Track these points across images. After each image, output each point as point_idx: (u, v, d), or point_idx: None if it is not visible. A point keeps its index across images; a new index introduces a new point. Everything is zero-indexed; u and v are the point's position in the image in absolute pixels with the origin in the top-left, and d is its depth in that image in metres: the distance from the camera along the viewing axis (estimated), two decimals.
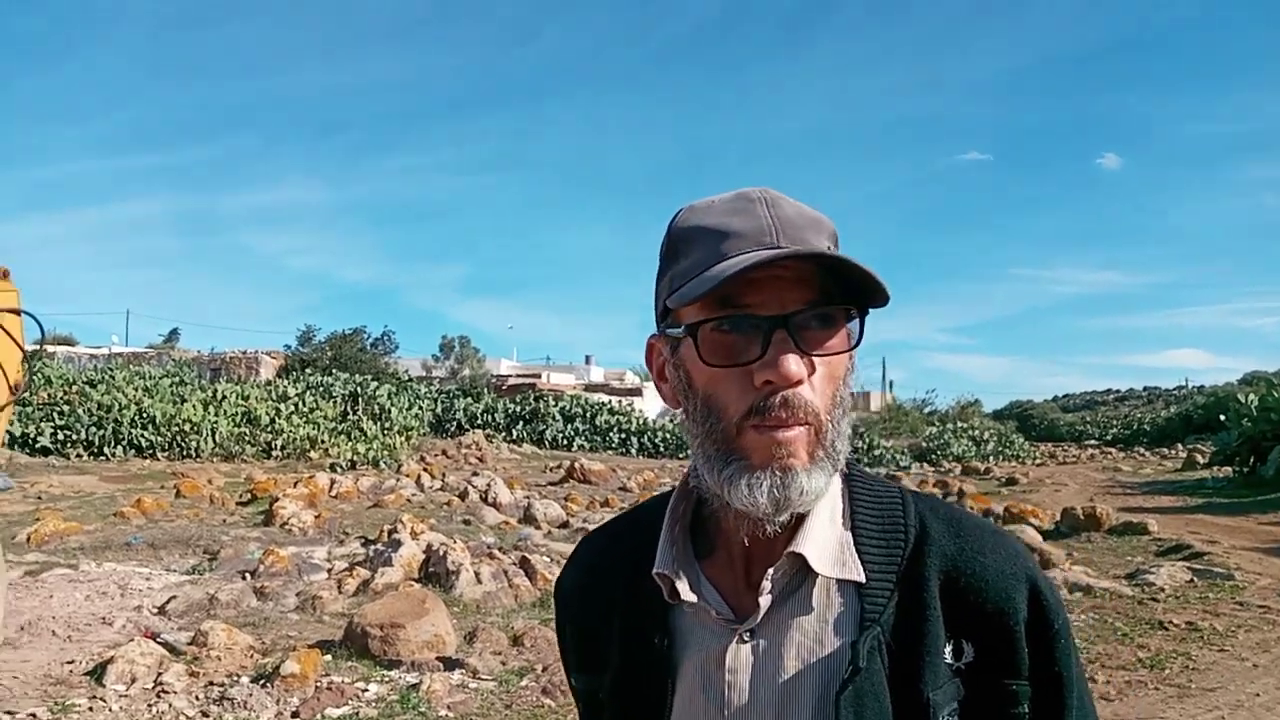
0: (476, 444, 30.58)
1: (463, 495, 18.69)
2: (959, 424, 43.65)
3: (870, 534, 0.98)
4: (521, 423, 35.09)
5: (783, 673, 0.94)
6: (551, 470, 26.12)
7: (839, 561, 0.96)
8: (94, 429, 27.29)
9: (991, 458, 36.34)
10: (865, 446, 36.35)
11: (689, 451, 1.01)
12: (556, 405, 36.22)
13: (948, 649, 0.93)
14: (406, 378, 40.13)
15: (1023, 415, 77.64)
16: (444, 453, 29.61)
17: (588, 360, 54.85)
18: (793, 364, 0.88)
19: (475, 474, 22.66)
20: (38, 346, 8.58)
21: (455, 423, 34.70)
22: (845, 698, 0.90)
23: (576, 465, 23.89)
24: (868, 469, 1.08)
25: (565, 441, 34.21)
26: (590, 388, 45.01)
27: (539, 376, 44.34)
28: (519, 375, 48.39)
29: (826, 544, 0.96)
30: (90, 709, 6.44)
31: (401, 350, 46.54)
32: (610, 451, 33.91)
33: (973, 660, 0.94)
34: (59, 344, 46.41)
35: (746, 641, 0.96)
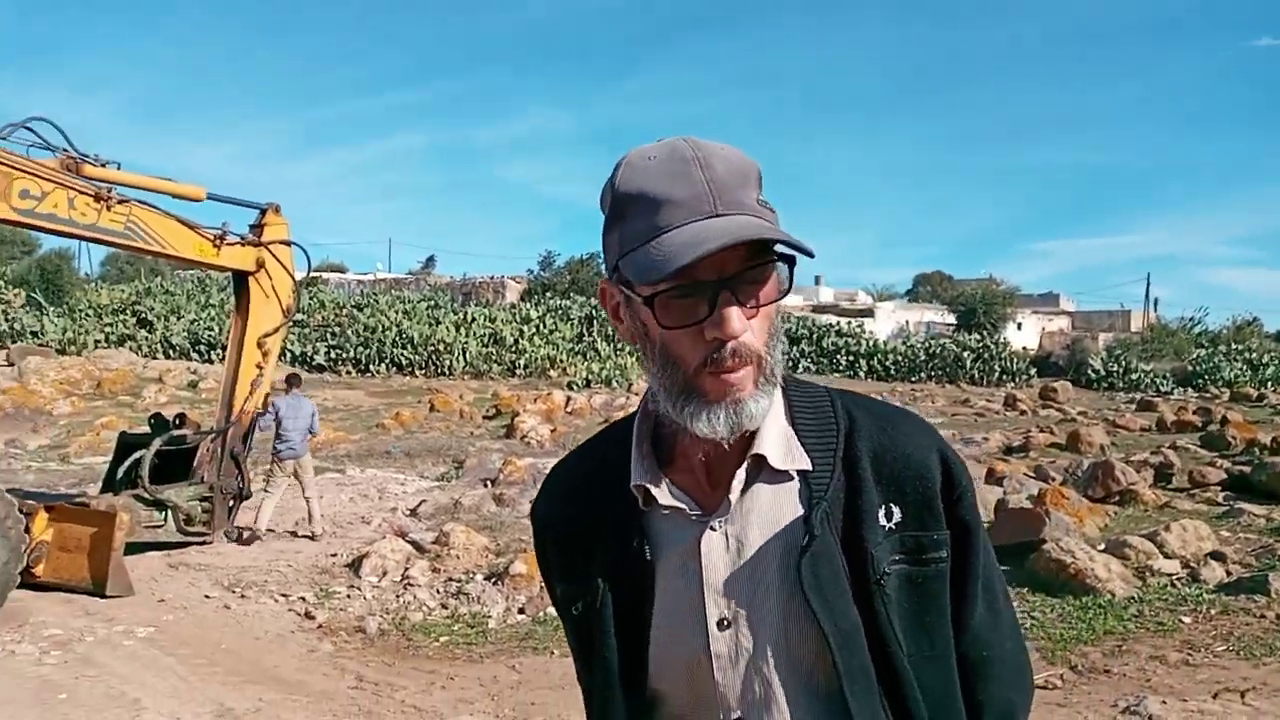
0: None
1: None
2: (1233, 346, 39.02)
3: (809, 429, 1.15)
4: None
5: (749, 549, 1.11)
6: None
7: (788, 454, 1.13)
8: (361, 348, 30.15)
9: (1270, 383, 32.48)
10: (1121, 370, 33.55)
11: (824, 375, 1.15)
12: (782, 327, 35.93)
13: (880, 513, 1.11)
14: None
15: None
16: None
17: (817, 280, 53.72)
18: (735, 321, 1.02)
19: None
20: (306, 274, 9.58)
21: None
22: (805, 561, 1.07)
23: None
24: (799, 375, 1.23)
25: (790, 364, 33.72)
26: (819, 309, 44.23)
27: None
28: None
29: (777, 441, 1.13)
30: (348, 596, 7.29)
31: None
32: (837, 375, 33.37)
33: (901, 520, 1.12)
34: (331, 271, 51.22)
35: (718, 530, 1.12)
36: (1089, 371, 34.21)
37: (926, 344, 36.06)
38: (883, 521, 1.10)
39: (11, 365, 23.35)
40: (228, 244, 8.50)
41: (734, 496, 1.11)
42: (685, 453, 1.14)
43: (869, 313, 44.12)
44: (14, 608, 6.35)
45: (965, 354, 34.37)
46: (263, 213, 8.94)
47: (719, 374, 1.05)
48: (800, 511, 1.10)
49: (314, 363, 29.61)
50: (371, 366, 29.79)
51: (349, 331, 30.97)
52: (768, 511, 1.11)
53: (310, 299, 34.62)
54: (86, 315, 32.47)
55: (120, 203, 7.39)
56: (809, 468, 1.11)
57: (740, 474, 1.10)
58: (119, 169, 7.53)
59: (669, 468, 1.16)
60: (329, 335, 31.08)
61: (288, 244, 9.21)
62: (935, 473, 1.13)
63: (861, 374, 33.89)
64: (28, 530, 6.68)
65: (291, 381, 10.86)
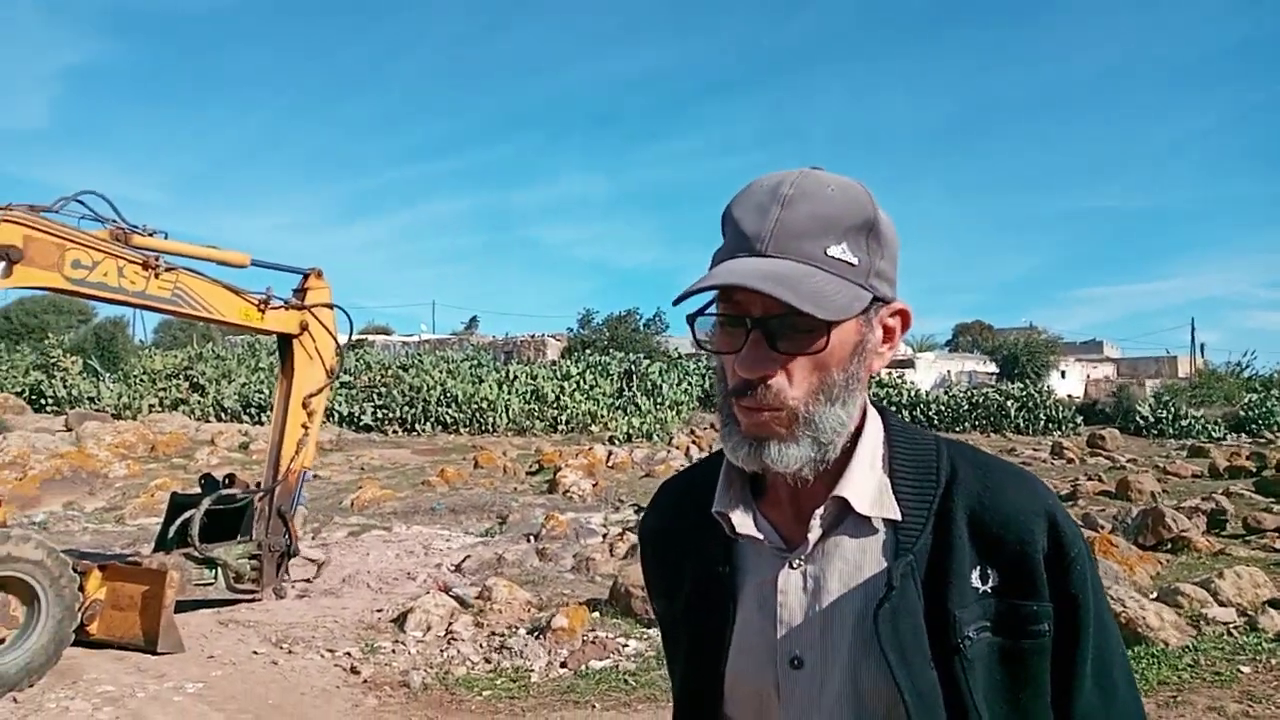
0: None
1: None
2: None
3: (906, 476, 1.12)
4: None
5: (826, 594, 1.10)
6: None
7: (878, 502, 1.10)
8: (406, 408, 30.50)
9: None
10: (1170, 416, 32.81)
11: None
12: None
13: (974, 574, 1.07)
14: (677, 355, 41.35)
15: None
16: (712, 426, 30.07)
17: None
18: (752, 363, 1.04)
19: None
20: (349, 336, 9.82)
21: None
22: (882, 613, 1.05)
23: None
24: (907, 420, 1.27)
25: None
26: None
27: None
28: None
29: (867, 487, 1.11)
30: (393, 651, 7.34)
31: (672, 329, 47.97)
32: None
33: (997, 584, 1.07)
34: (377, 334, 52.15)
35: (796, 568, 1.12)
36: (1137, 418, 33.50)
37: (969, 393, 35.66)
38: (975, 583, 1.07)
39: (70, 430, 23.96)
40: (272, 308, 8.75)
41: (812, 536, 1.11)
42: (775, 484, 1.15)
43: (909, 363, 43.81)
44: (68, 665, 6.50)
45: (1009, 403, 33.89)
46: (305, 277, 9.22)
47: (743, 408, 1.06)
48: (885, 563, 1.08)
49: (361, 422, 29.99)
50: (417, 425, 30.11)
51: (395, 391, 31.37)
52: (851, 557, 1.10)
53: (357, 360, 35.21)
54: (141, 380, 33.28)
55: (167, 270, 7.68)
56: (898, 518, 1.09)
57: (819, 514, 1.10)
58: (166, 238, 7.83)
59: (762, 498, 1.17)
60: (375, 395, 31.49)
61: (330, 307, 9.46)
62: (1040, 538, 1.07)
63: None
64: (81, 589, 6.86)
65: None
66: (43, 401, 30.47)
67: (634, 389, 33.40)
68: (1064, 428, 33.10)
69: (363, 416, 30.23)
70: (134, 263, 7.50)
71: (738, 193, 1.10)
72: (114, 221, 7.55)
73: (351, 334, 9.89)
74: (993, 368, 44.45)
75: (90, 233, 7.31)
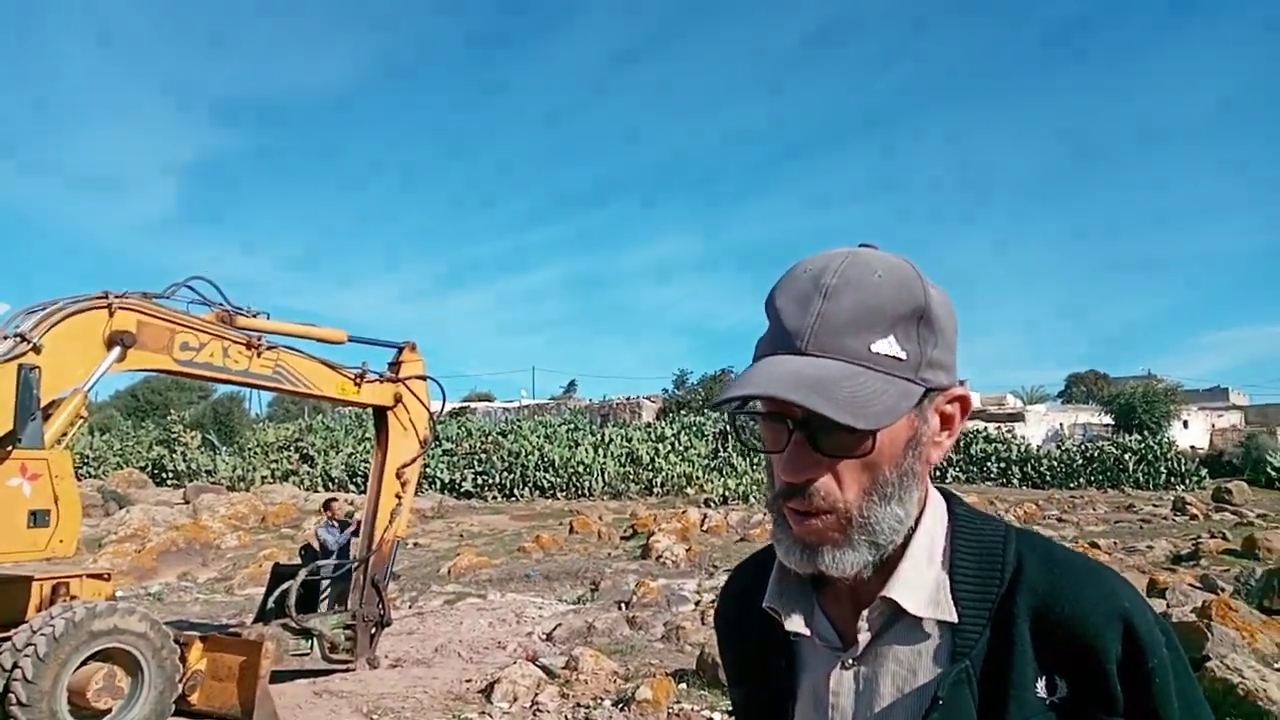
0: None
1: None
2: None
3: (967, 574, 1.04)
4: None
5: (878, 699, 1.03)
6: None
7: (933, 602, 1.03)
8: (505, 473, 30.98)
9: None
10: None
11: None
12: None
13: (1040, 684, 0.98)
14: None
15: None
16: None
17: (961, 384, 52.30)
18: (796, 467, 0.99)
19: None
20: (442, 406, 10.10)
21: None
22: None
23: None
24: (976, 507, 1.13)
25: (938, 473, 32.85)
26: None
27: None
28: None
29: (922, 585, 1.03)
30: None
31: None
32: (989, 482, 31.96)
33: (1066, 696, 0.97)
34: (479, 400, 53.29)
35: (849, 668, 1.06)
36: (1268, 470, 31.54)
37: (1083, 447, 34.19)
38: (1041, 693, 0.98)
39: (187, 503, 25.09)
40: (367, 382, 9.08)
41: (862, 638, 1.05)
42: (834, 579, 1.08)
43: (1019, 416, 42.34)
44: None
45: (1127, 456, 32.38)
46: (399, 350, 9.55)
47: (790, 511, 1.01)
48: (941, 668, 1.01)
49: (462, 489, 30.56)
50: (515, 490, 30.52)
51: (494, 457, 31.92)
52: (905, 660, 1.03)
53: (458, 428, 36.03)
54: (255, 453, 34.73)
55: (269, 349, 8.06)
56: (954, 620, 1.01)
57: (866, 614, 1.04)
58: (268, 318, 8.24)
59: (823, 592, 1.12)
60: (476, 462, 32.10)
61: (423, 379, 9.76)
62: (1112, 644, 0.96)
63: (1015, 481, 32.34)
64: (183, 659, 7.12)
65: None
66: (164, 475, 32.05)
67: (730, 449, 33.14)
68: (1187, 481, 31.43)
69: (463, 483, 30.80)
70: (238, 343, 7.91)
71: (781, 277, 1.05)
72: (220, 304, 7.99)
73: (444, 404, 10.17)
74: (1108, 419, 42.53)
75: (198, 316, 7.74)
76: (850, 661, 1.05)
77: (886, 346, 0.98)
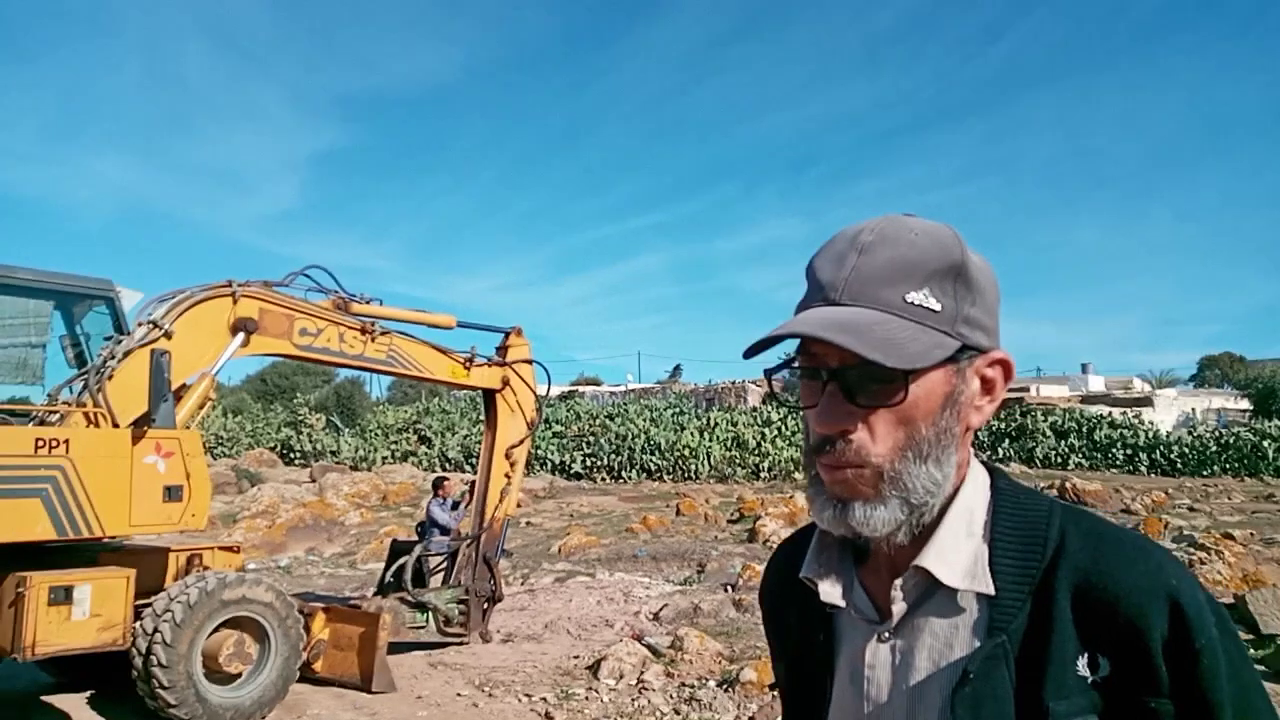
0: None
1: None
2: None
3: (1007, 546, 1.01)
4: (1008, 440, 33.10)
5: (914, 672, 1.02)
6: (1042, 491, 24.30)
7: (970, 574, 1.01)
8: (613, 455, 31.31)
9: None
10: None
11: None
12: (1046, 420, 33.50)
13: (1082, 661, 0.95)
14: None
15: None
16: None
17: (1084, 369, 49.98)
18: (829, 418, 0.99)
19: None
20: (547, 389, 10.28)
21: None
22: (960, 700, 0.96)
23: (1068, 485, 21.99)
24: (1017, 479, 1.09)
25: (1059, 460, 31.51)
26: (1088, 399, 41.00)
27: (1026, 390, 41.44)
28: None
29: (959, 556, 1.01)
30: (585, 698, 7.50)
31: None
32: (1114, 470, 30.56)
33: (1109, 675, 0.94)
34: (587, 385, 54.00)
35: (885, 641, 1.05)
36: None
37: (1217, 433, 32.34)
38: (1082, 672, 0.95)
39: (313, 481, 26.26)
40: (476, 365, 9.32)
41: (896, 609, 1.03)
42: (875, 549, 1.07)
43: (1146, 401, 40.33)
44: (294, 699, 7.09)
45: (1266, 443, 30.44)
46: (506, 335, 9.75)
47: (825, 465, 1.00)
48: (978, 642, 0.98)
49: (572, 470, 31.05)
50: (623, 472, 30.80)
51: (602, 440, 32.29)
52: (942, 633, 1.01)
53: (567, 411, 36.58)
54: (375, 434, 36.05)
55: (383, 334, 8.35)
56: (990, 592, 0.99)
57: (898, 584, 1.03)
58: (381, 304, 8.53)
59: (863, 563, 1.11)
60: (585, 444, 32.54)
61: (529, 362, 9.96)
62: (1158, 621, 0.93)
63: (1143, 468, 30.84)
64: (307, 629, 7.48)
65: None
66: (292, 455, 33.62)
67: None
68: None
69: (573, 465, 31.27)
70: (353, 328, 8.22)
71: (822, 244, 1.06)
72: (335, 292, 8.32)
73: (549, 387, 10.34)
74: (1245, 404, 40.15)
75: (315, 303, 8.08)
76: (886, 634, 1.04)
77: (921, 298, 0.98)
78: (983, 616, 0.99)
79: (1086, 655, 0.95)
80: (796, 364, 1.03)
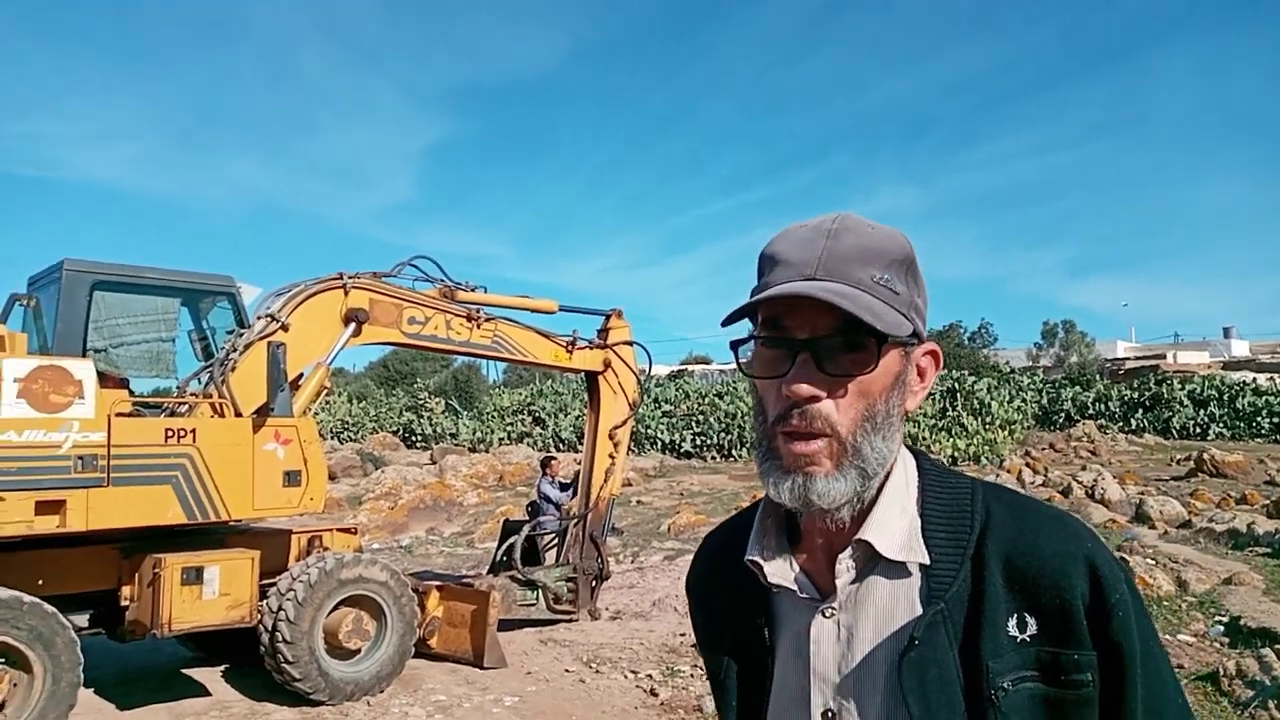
0: (1088, 436, 28.33)
1: (1065, 491, 17.54)
2: None
3: (937, 520, 1.10)
4: (1141, 410, 31.42)
5: (859, 643, 1.08)
6: (1177, 463, 23.12)
7: (906, 546, 1.08)
8: (722, 434, 31.27)
9: None
10: None
11: None
12: (1184, 389, 31.66)
13: (1011, 622, 1.03)
14: (1008, 369, 38.81)
15: None
16: (1051, 446, 27.99)
17: (1226, 334, 47.12)
18: (803, 383, 1.04)
19: (1083, 468, 21.03)
20: (648, 369, 10.35)
21: (1063, 414, 32.35)
22: (907, 664, 1.02)
23: (1207, 456, 20.81)
24: (940, 461, 1.18)
25: (1198, 430, 29.71)
26: (1230, 365, 38.64)
27: (1163, 357, 39.34)
28: (1137, 357, 43.53)
29: (895, 530, 1.08)
30: (691, 675, 7.57)
31: (1001, 341, 45.17)
32: (1260, 440, 28.74)
33: (1036, 633, 1.03)
34: (698, 363, 54.01)
35: (828, 617, 1.10)
36: None
37: None
38: (1013, 632, 1.03)
39: (434, 463, 27.16)
40: (578, 348, 9.45)
41: (840, 582, 1.08)
42: (809, 531, 1.13)
43: None
44: (410, 674, 7.39)
45: None
46: (607, 318, 9.85)
47: (788, 435, 1.04)
48: (918, 611, 1.05)
49: (682, 449, 31.17)
50: (733, 451, 30.75)
51: (711, 419, 32.29)
52: (884, 605, 1.07)
53: (676, 390, 36.70)
54: (492, 417, 36.98)
55: (488, 320, 8.57)
56: (926, 561, 1.06)
57: (844, 559, 1.08)
58: (485, 292, 8.74)
59: (797, 545, 1.15)
60: (694, 423, 32.61)
61: (630, 344, 10.04)
62: (1078, 583, 1.02)
63: None
64: (422, 607, 7.77)
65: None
66: (413, 438, 34.82)
67: (959, 408, 31.74)
68: None
69: (683, 444, 31.38)
70: (459, 315, 8.46)
71: (772, 238, 1.13)
72: (441, 280, 8.56)
73: (650, 368, 10.41)
74: None
75: (422, 292, 8.34)
76: (830, 610, 1.09)
77: (887, 280, 1.07)
78: (922, 587, 1.07)
79: (1016, 616, 1.03)
80: (763, 335, 1.08)
